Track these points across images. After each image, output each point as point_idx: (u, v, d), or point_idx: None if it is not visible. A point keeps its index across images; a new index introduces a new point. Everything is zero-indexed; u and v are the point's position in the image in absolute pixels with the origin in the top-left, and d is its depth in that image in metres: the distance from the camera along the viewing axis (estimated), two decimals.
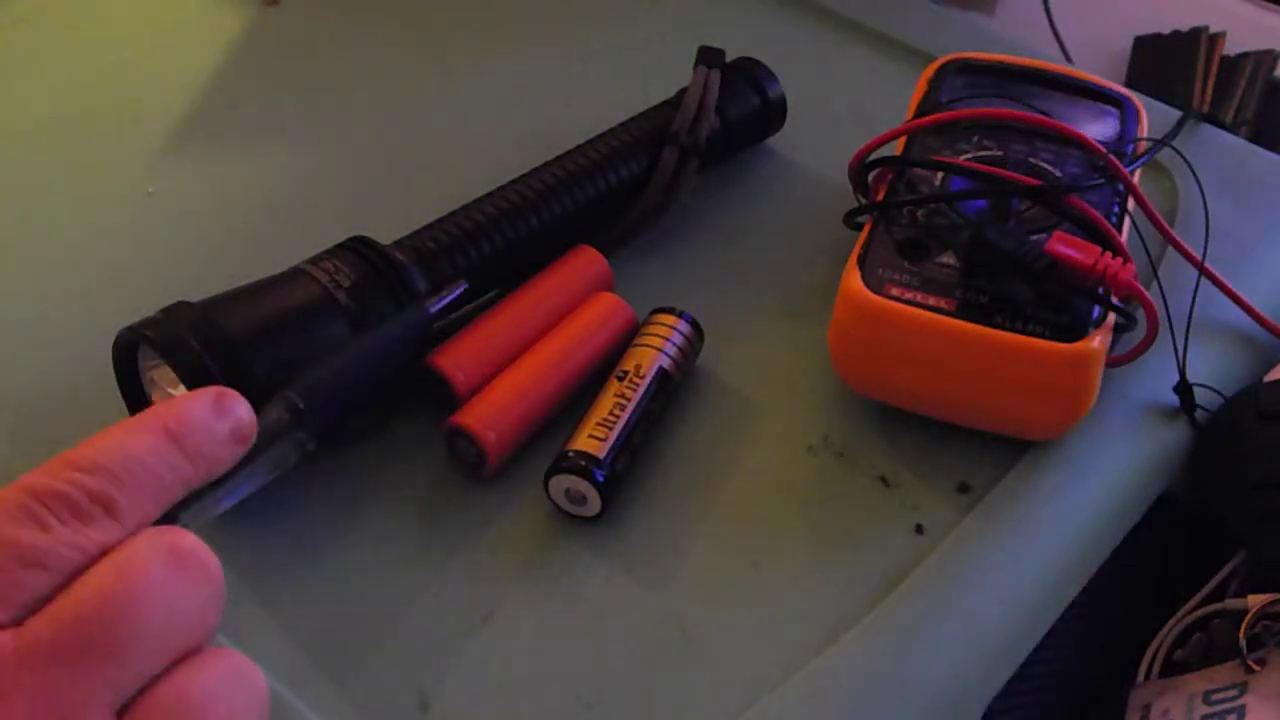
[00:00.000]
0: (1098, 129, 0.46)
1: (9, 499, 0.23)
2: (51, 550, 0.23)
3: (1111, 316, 0.40)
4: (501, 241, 0.45)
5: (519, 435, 0.42)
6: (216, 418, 0.27)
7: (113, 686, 0.22)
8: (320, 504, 0.41)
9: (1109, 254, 0.39)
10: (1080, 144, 0.44)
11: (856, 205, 0.46)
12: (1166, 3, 0.79)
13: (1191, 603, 0.45)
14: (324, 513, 0.41)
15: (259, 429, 0.28)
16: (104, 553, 0.23)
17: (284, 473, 0.31)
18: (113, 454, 0.24)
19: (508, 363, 0.43)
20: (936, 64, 0.49)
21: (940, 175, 0.44)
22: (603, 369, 0.43)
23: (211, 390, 0.27)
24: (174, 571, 0.23)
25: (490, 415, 0.41)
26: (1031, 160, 0.44)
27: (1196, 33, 0.75)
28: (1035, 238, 0.41)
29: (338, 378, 0.35)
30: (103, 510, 0.24)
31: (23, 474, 0.24)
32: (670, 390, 0.43)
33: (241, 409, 0.27)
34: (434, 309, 0.39)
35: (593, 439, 0.40)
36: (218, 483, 0.28)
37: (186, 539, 0.24)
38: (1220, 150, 0.56)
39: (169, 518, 0.26)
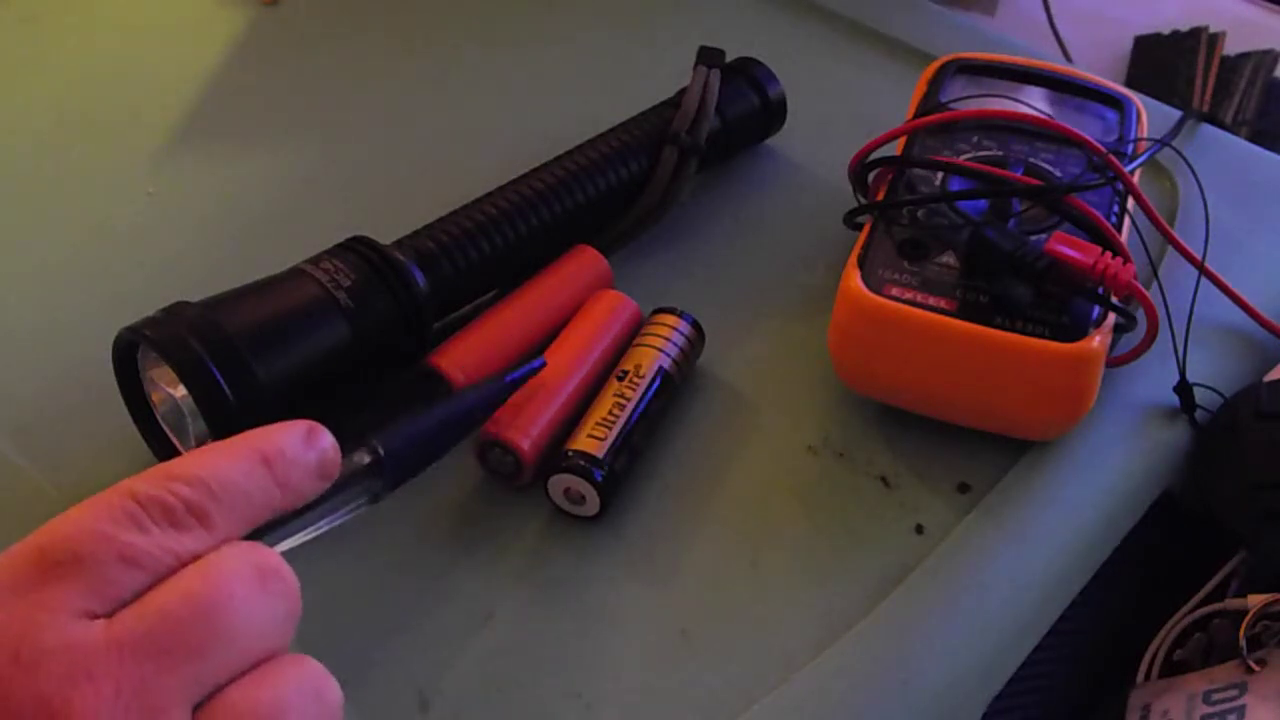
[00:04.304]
0: (1098, 129, 0.46)
1: (112, 501, 0.25)
2: (147, 551, 0.24)
3: (1111, 316, 0.40)
4: (501, 241, 0.45)
5: (552, 440, 0.41)
6: (306, 449, 0.28)
7: (192, 683, 0.23)
8: None
9: (1109, 254, 0.39)
10: (1080, 144, 0.44)
11: (856, 205, 0.46)
12: (1166, 3, 0.79)
13: (1191, 603, 0.45)
14: None
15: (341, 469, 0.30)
16: (194, 560, 0.25)
17: (352, 518, 0.32)
18: (210, 471, 0.26)
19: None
20: (936, 64, 0.49)
21: (940, 175, 0.44)
22: (613, 367, 0.43)
23: (303, 423, 0.29)
24: (256, 583, 0.25)
25: (524, 423, 0.40)
26: (1031, 160, 0.44)
27: (1196, 33, 0.76)
28: (1035, 238, 0.41)
29: (419, 434, 0.35)
30: (197, 521, 0.25)
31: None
32: (670, 390, 0.43)
33: (328, 443, 0.29)
34: (510, 379, 0.39)
35: (591, 438, 0.40)
36: (294, 515, 0.29)
37: (270, 555, 0.26)
38: (1220, 150, 0.56)
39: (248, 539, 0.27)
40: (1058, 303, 0.39)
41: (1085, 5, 0.79)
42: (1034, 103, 0.46)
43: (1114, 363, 0.42)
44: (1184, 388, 0.44)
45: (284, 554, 0.27)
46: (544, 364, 0.41)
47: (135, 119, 0.57)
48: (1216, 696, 0.41)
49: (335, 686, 0.26)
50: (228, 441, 0.27)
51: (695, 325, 0.45)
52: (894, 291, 0.40)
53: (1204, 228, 0.46)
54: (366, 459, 0.33)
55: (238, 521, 0.26)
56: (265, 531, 0.28)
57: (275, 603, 0.25)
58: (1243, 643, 0.41)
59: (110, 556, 0.24)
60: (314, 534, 0.31)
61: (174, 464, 0.26)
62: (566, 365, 0.43)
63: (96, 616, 0.23)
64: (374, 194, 0.53)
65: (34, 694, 0.22)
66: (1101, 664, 0.47)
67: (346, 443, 0.31)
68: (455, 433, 0.37)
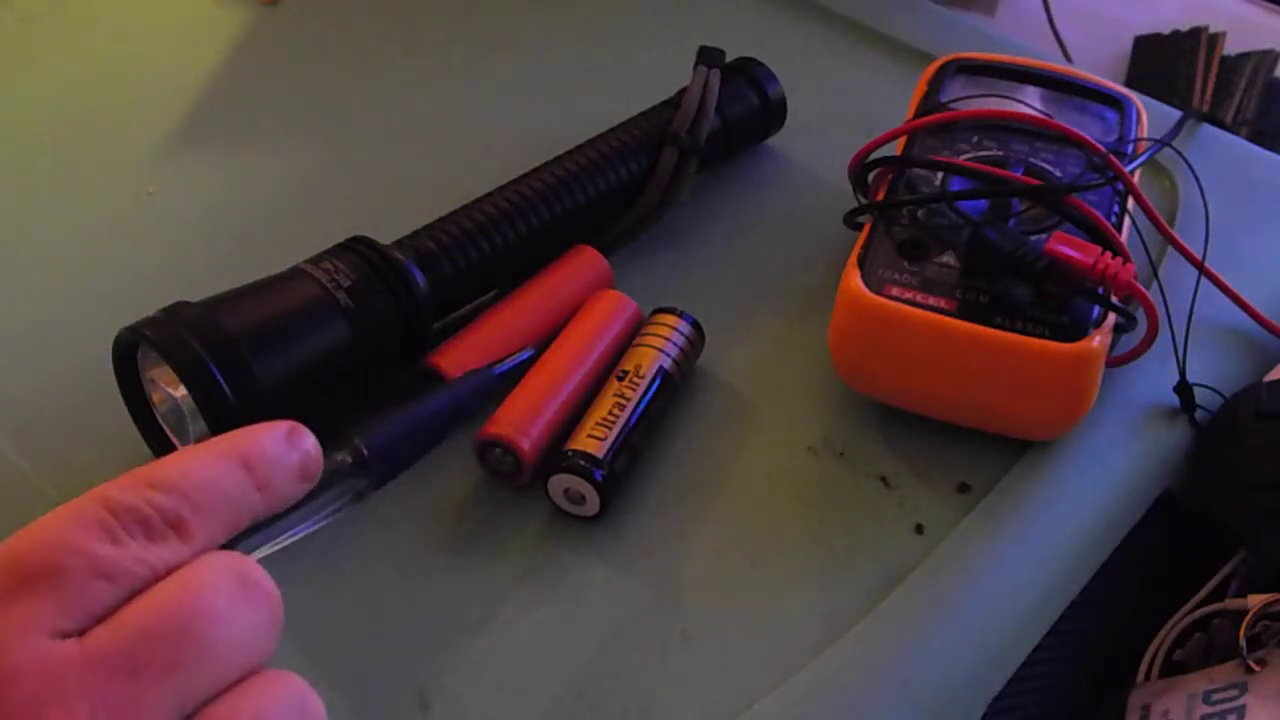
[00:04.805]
0: (1098, 129, 0.46)
1: (84, 510, 0.23)
2: (121, 564, 0.23)
3: (1111, 316, 0.40)
4: (501, 241, 0.45)
5: (551, 439, 0.41)
6: (288, 450, 0.27)
7: (171, 700, 0.22)
8: None
9: (1109, 254, 0.39)
10: (1080, 144, 0.44)
11: (856, 205, 0.46)
12: (1166, 3, 0.79)
13: (1191, 603, 0.45)
14: None
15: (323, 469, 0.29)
16: (169, 572, 0.24)
17: (336, 519, 0.32)
18: (189, 477, 0.25)
19: None
20: (936, 64, 0.49)
21: (940, 175, 0.44)
22: (613, 367, 0.43)
23: (284, 424, 0.28)
24: (237, 595, 0.24)
25: (523, 423, 0.40)
26: (1031, 160, 0.44)
27: (1196, 33, 0.76)
28: (1035, 238, 0.41)
29: (403, 431, 0.34)
30: (174, 531, 0.24)
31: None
32: (670, 390, 0.43)
33: (311, 444, 0.28)
34: (499, 371, 0.39)
35: (591, 438, 0.40)
36: (276, 518, 0.28)
37: (250, 566, 0.25)
38: (1220, 150, 0.56)
39: (228, 546, 0.26)
40: (1058, 303, 0.39)
41: (1085, 5, 0.79)
42: (1034, 103, 0.46)
43: (1114, 363, 0.42)
44: (1184, 388, 0.44)
45: (271, 556, 0.27)
46: (532, 354, 0.41)
47: (135, 119, 0.57)
48: (1216, 696, 0.41)
49: (318, 701, 0.25)
50: (207, 444, 0.26)
51: (695, 325, 0.45)
52: (894, 291, 0.40)
53: (1204, 228, 0.46)
54: (350, 459, 0.32)
55: (217, 528, 0.25)
56: (246, 536, 0.27)
57: (256, 614, 0.24)
58: (1243, 643, 0.41)
59: (83, 570, 0.22)
60: (297, 536, 0.30)
61: (151, 469, 0.25)
62: (566, 365, 0.43)
63: (69, 633, 0.22)
64: (374, 194, 0.53)
65: (5, 716, 0.21)
66: (1101, 664, 0.47)
67: (330, 442, 0.30)
68: (442, 428, 0.36)
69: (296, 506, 0.29)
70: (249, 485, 0.26)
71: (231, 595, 0.24)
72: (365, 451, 0.32)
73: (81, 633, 0.22)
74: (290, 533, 0.29)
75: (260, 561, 0.27)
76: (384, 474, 0.33)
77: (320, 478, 0.29)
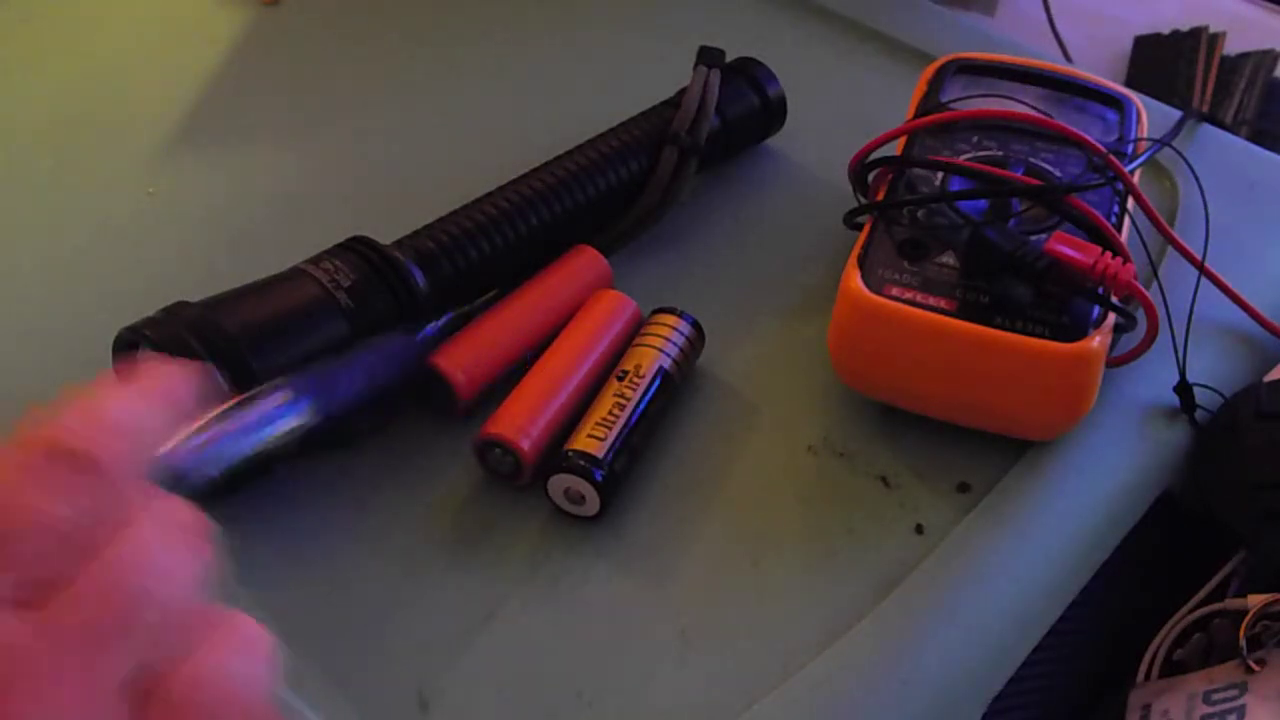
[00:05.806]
0: (1098, 129, 0.46)
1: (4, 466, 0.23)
2: (50, 511, 0.23)
3: (1111, 316, 0.40)
4: (501, 241, 0.45)
5: (551, 439, 0.41)
6: (157, 374, 0.27)
7: (130, 660, 0.23)
8: (320, 504, 0.41)
9: (1109, 254, 0.39)
10: (1080, 144, 0.44)
11: (856, 205, 0.46)
12: (1166, 3, 0.79)
13: (1191, 603, 0.45)
14: (324, 513, 0.41)
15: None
16: (98, 512, 0.23)
17: (273, 447, 0.31)
18: (80, 413, 0.24)
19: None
20: (936, 64, 0.49)
21: (940, 175, 0.44)
22: (612, 367, 0.43)
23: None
24: (177, 545, 0.24)
25: (523, 423, 0.40)
26: (1031, 160, 0.44)
27: (1196, 33, 0.76)
28: (1035, 238, 0.41)
29: (329, 368, 0.35)
30: (88, 468, 0.24)
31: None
32: (670, 390, 0.43)
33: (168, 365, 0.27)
34: (420, 336, 0.40)
35: (591, 438, 0.40)
36: (200, 431, 0.28)
37: (183, 509, 0.25)
38: (1220, 150, 0.56)
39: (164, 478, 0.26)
40: (1058, 303, 0.39)
41: (1085, 5, 0.79)
42: (1034, 103, 0.46)
43: (1114, 363, 0.42)
44: (1184, 388, 0.44)
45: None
46: (452, 316, 0.42)
47: (135, 119, 0.57)
48: (1216, 696, 0.41)
49: (271, 640, 0.25)
50: (82, 390, 0.26)
51: (695, 325, 0.45)
52: (894, 291, 0.40)
53: (1204, 228, 0.46)
54: (278, 385, 0.32)
55: (129, 457, 0.25)
56: (170, 459, 0.27)
57: (195, 558, 0.24)
58: (1243, 643, 0.41)
59: (22, 528, 0.23)
60: (229, 458, 0.29)
61: (37, 423, 0.24)
62: (566, 365, 0.43)
63: (20, 602, 0.22)
64: (374, 194, 0.53)
65: None
66: (1101, 664, 0.47)
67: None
68: (361, 374, 0.36)
69: (226, 418, 0.29)
70: (142, 405, 0.25)
71: (171, 548, 0.24)
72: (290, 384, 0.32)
73: (29, 600, 0.22)
74: (217, 447, 0.29)
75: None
76: (323, 409, 0.33)
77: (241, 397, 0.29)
